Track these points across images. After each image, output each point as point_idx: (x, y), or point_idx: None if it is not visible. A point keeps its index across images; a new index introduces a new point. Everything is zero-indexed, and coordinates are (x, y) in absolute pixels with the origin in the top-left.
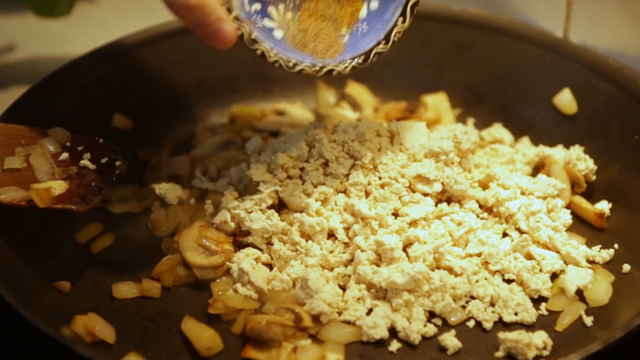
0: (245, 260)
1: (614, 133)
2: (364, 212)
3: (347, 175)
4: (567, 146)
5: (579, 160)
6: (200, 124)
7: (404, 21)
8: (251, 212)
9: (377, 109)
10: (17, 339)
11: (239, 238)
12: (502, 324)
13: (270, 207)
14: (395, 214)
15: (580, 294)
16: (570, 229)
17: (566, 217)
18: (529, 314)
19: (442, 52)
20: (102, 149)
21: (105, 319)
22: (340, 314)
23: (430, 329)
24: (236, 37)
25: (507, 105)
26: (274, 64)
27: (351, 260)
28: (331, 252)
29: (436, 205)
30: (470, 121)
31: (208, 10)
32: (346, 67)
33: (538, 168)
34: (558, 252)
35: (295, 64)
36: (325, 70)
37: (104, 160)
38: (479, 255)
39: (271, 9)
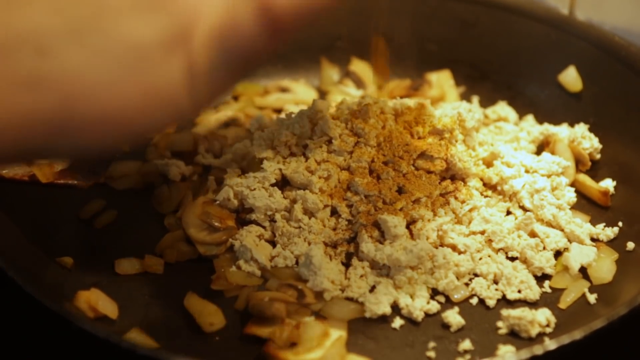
0: (248, 237)
1: (619, 111)
2: (367, 190)
3: (351, 152)
4: (571, 124)
5: (584, 138)
6: None
7: None
8: (254, 189)
9: (381, 87)
10: (20, 314)
11: (242, 215)
12: (505, 302)
13: (273, 184)
14: (399, 192)
15: (584, 271)
16: (574, 207)
17: (570, 195)
18: (533, 292)
19: (446, 30)
20: None
21: (108, 295)
22: (343, 290)
23: (433, 306)
24: None
25: (512, 83)
26: None
27: (354, 238)
28: (334, 229)
29: (440, 183)
30: (475, 99)
31: None
32: None
33: (542, 146)
34: (562, 230)
35: None
36: None
37: None
38: (482, 233)
39: None
